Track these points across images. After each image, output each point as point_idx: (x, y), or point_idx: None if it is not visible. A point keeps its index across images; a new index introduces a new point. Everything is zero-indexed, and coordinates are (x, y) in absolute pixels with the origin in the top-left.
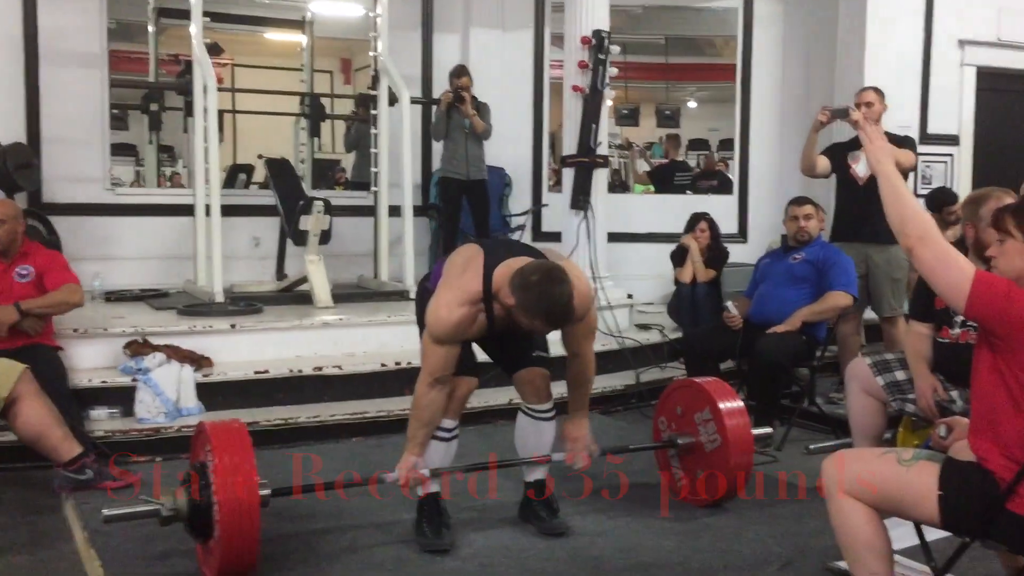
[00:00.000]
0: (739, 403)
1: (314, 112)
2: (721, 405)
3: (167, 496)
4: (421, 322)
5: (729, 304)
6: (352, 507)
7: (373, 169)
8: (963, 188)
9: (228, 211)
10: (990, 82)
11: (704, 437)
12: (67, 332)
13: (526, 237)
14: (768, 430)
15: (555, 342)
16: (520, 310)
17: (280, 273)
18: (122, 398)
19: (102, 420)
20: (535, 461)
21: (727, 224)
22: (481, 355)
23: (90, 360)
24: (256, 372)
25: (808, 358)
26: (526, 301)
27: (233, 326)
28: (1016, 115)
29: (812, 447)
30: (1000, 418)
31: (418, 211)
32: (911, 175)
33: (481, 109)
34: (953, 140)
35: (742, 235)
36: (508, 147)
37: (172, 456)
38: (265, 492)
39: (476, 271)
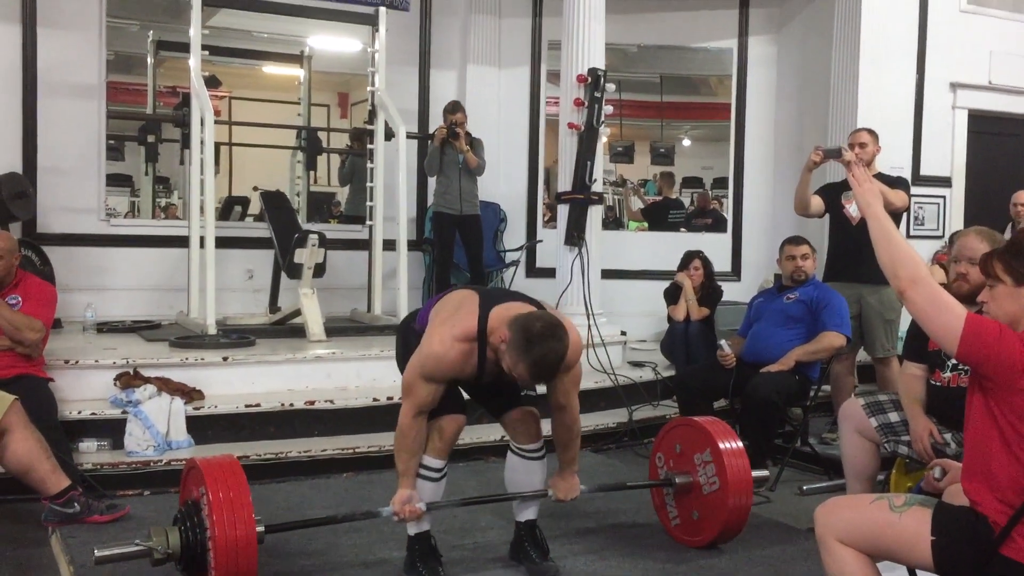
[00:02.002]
0: (739, 445)
1: (310, 145)
2: (723, 447)
3: (159, 535)
4: (402, 359)
5: (723, 342)
6: (343, 544)
7: (369, 203)
8: (955, 229)
9: (222, 243)
10: (981, 125)
11: (703, 478)
12: (58, 363)
13: (520, 272)
14: (766, 473)
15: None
16: (511, 351)
17: (273, 306)
18: (112, 430)
19: (91, 452)
20: (530, 495)
21: (721, 262)
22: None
23: (80, 392)
24: (247, 405)
25: (802, 398)
26: (520, 344)
27: (225, 359)
28: (1007, 158)
29: (806, 488)
30: (993, 461)
31: (412, 245)
32: (904, 216)
33: (475, 144)
34: (945, 182)
35: (736, 273)
36: (503, 183)
37: (161, 490)
38: (260, 529)
39: (471, 310)
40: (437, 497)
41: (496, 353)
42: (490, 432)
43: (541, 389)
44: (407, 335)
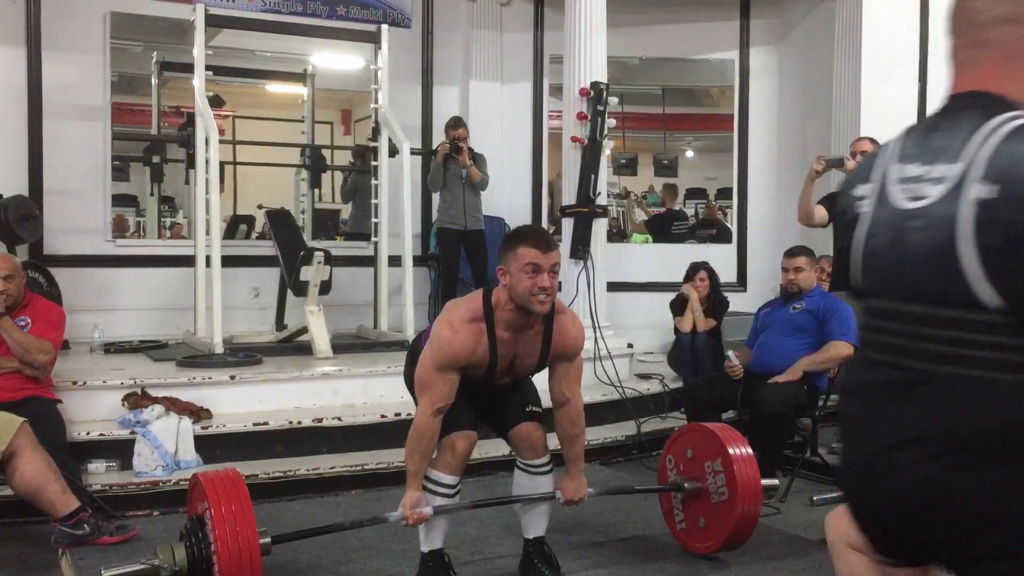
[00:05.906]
0: (749, 452)
1: (315, 163)
2: (734, 456)
3: (165, 552)
4: (409, 378)
5: (730, 353)
6: (353, 562)
7: (373, 220)
8: None
9: (228, 262)
10: None
11: (712, 487)
12: (66, 385)
13: None
14: (775, 482)
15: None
16: (505, 259)
17: (280, 324)
18: (120, 451)
19: (100, 473)
20: (537, 497)
21: (726, 273)
22: None
23: (89, 413)
24: (255, 424)
25: (810, 408)
26: (506, 243)
27: (233, 377)
28: None
29: (817, 499)
30: None
31: (418, 261)
32: None
33: (478, 159)
34: None
35: (741, 284)
36: (507, 197)
37: (170, 510)
38: (266, 540)
39: (475, 295)
40: (450, 515)
41: (506, 301)
42: (498, 447)
43: (547, 402)
44: (414, 354)
